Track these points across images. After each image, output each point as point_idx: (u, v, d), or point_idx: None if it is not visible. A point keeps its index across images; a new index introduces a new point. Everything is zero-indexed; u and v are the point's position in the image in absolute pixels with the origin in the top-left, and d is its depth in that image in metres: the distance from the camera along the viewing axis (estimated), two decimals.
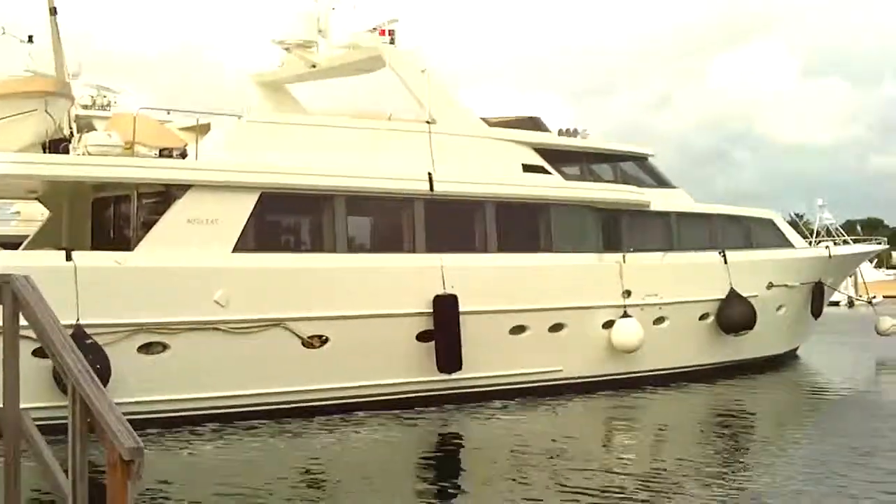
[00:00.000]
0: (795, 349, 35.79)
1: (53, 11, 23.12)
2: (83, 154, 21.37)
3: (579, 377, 26.54)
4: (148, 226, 21.71)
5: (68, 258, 20.01)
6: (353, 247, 24.06)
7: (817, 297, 34.39)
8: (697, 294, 29.46)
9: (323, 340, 22.62)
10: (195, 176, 21.86)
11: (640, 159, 31.17)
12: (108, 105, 37.08)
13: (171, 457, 18.03)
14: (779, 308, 32.45)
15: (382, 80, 27.44)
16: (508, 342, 25.26)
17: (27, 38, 25.26)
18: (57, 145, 21.66)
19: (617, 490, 15.90)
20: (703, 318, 29.73)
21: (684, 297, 28.98)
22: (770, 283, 31.71)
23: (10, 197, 31.24)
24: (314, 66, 28.30)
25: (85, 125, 24.51)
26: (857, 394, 28.43)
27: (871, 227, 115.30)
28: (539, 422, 23.18)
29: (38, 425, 7.49)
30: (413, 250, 24.55)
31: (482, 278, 24.80)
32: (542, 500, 15.37)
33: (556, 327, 26.17)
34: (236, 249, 21.95)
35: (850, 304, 66.61)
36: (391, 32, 26.73)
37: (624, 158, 30.69)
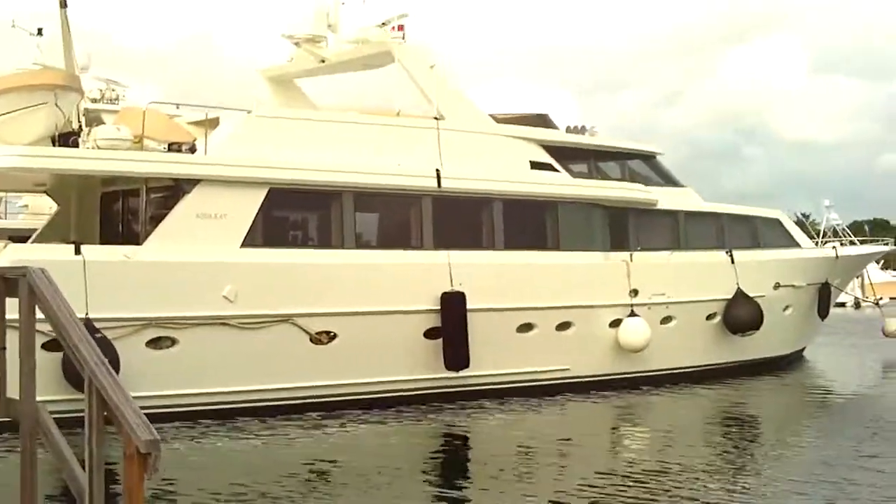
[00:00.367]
0: (802, 350, 35.75)
1: (63, 4, 23.07)
2: (93, 148, 21.36)
3: (586, 376, 26.51)
4: (156, 220, 21.71)
5: (77, 252, 20.02)
6: (361, 243, 24.05)
7: (824, 298, 34.33)
8: (704, 294, 29.42)
9: (331, 336, 22.62)
10: (204, 171, 21.85)
11: (647, 157, 31.14)
12: (117, 99, 37.07)
13: (179, 451, 18.03)
14: (785, 308, 32.41)
15: (391, 75, 27.38)
16: (516, 340, 25.24)
17: (37, 31, 25.35)
18: (66, 139, 21.66)
19: (623, 490, 15.86)
20: (710, 317, 29.68)
21: (691, 297, 28.95)
22: (777, 283, 31.67)
23: (18, 190, 31.33)
24: (323, 61, 28.30)
25: (94, 119, 24.50)
26: (863, 396, 28.35)
27: (879, 228, 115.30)
28: (546, 420, 23.16)
29: None
30: (421, 247, 24.53)
31: (490, 276, 24.78)
32: (548, 499, 15.32)
33: (564, 326, 26.16)
34: (245, 244, 21.94)
35: (857, 305, 66.56)
36: (401, 28, 26.71)
37: (632, 156, 30.64)
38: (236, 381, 21.46)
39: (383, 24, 27.30)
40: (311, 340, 22.39)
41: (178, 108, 24.81)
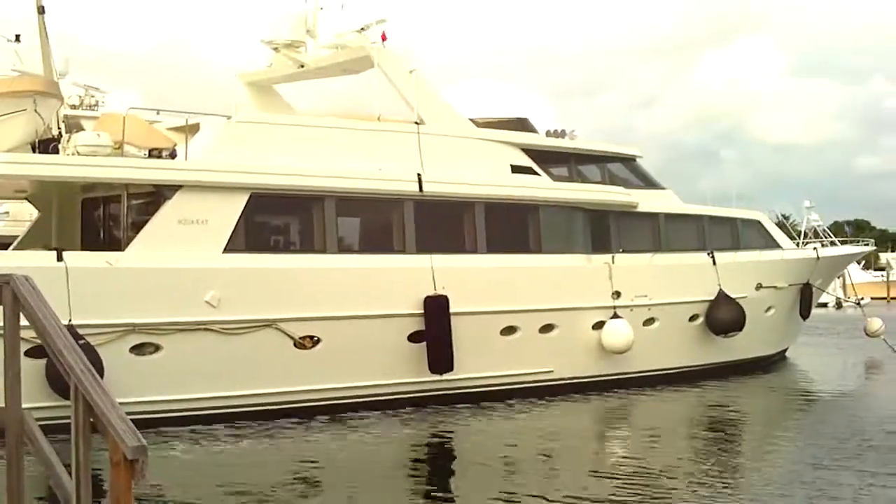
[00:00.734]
0: (784, 351, 35.89)
1: (41, 10, 23.04)
2: (73, 154, 21.29)
3: (570, 378, 26.56)
4: (138, 226, 21.67)
5: (59, 258, 19.97)
6: (343, 247, 24.03)
7: (806, 299, 34.50)
8: (687, 295, 29.49)
9: (315, 341, 22.60)
10: (185, 176, 21.80)
11: (627, 160, 31.18)
12: (96, 105, 37.02)
13: (163, 458, 17.98)
14: (767, 309, 32.52)
15: (371, 80, 27.37)
16: (499, 343, 25.26)
17: (14, 38, 25.18)
18: (46, 145, 21.59)
19: (607, 491, 15.92)
20: (692, 319, 29.77)
21: (673, 299, 29.03)
22: (759, 284, 31.79)
23: None
24: (302, 67, 28.27)
25: (73, 125, 24.43)
26: (845, 396, 28.49)
27: (859, 229, 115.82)
28: (530, 423, 23.16)
29: None
30: (403, 251, 24.52)
31: (473, 279, 24.80)
32: (532, 501, 15.33)
33: (547, 328, 26.19)
34: (227, 250, 21.91)
35: (839, 305, 66.90)
36: (384, 36, 26.68)
37: (612, 159, 30.69)
38: (221, 387, 21.40)
39: (362, 29, 27.30)
40: (294, 345, 22.36)
41: (158, 113, 24.83)
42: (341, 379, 22.89)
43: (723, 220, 32.63)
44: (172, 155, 22.43)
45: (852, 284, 48.15)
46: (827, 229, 56.38)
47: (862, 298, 43.71)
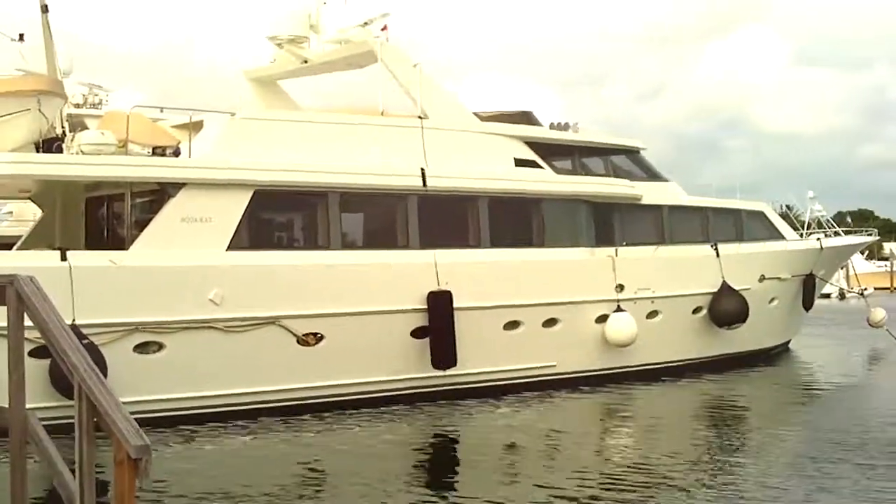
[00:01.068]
0: (787, 342, 35.91)
1: (45, 9, 23.05)
2: (77, 153, 21.31)
3: (573, 372, 26.58)
4: (142, 225, 21.70)
5: (63, 258, 19.99)
6: (346, 243, 24.03)
7: (809, 290, 34.49)
8: (690, 288, 29.50)
9: (318, 338, 22.63)
10: (189, 174, 21.82)
11: (631, 153, 31.18)
12: (100, 104, 36.98)
13: (167, 456, 18.04)
14: (771, 301, 32.54)
15: (374, 75, 27.40)
16: (503, 338, 25.29)
17: (18, 37, 25.21)
18: (50, 144, 21.62)
19: (612, 484, 15.96)
20: (696, 311, 29.78)
21: (677, 291, 29.04)
22: (762, 275, 31.80)
23: (2, 197, 31.21)
24: (306, 62, 28.32)
25: (77, 124, 24.45)
26: (847, 387, 28.48)
27: (862, 219, 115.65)
28: (534, 417, 23.17)
29: None
30: (407, 246, 24.54)
31: (476, 274, 24.80)
32: (537, 496, 15.38)
33: (550, 322, 26.22)
34: (231, 247, 21.93)
35: (842, 296, 66.90)
36: (385, 28, 26.72)
37: (615, 152, 30.65)
38: (224, 385, 21.44)
39: (365, 23, 27.32)
40: (298, 342, 22.40)
41: (161, 111, 24.80)
42: (345, 376, 22.92)
43: (726, 212, 32.63)
44: (176, 153, 22.47)
45: (856, 275, 48.22)
46: (830, 219, 56.48)
47: (865, 289, 43.82)
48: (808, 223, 53.12)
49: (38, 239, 24.33)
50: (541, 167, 27.53)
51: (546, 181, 27.35)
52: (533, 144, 27.72)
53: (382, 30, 26.82)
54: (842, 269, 47.21)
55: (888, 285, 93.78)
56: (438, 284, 23.97)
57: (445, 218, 25.29)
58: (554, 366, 26.22)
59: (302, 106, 29.09)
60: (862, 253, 71.82)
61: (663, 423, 23.20)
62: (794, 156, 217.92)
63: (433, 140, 25.50)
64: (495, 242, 25.83)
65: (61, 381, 16.56)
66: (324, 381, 22.63)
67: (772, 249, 32.97)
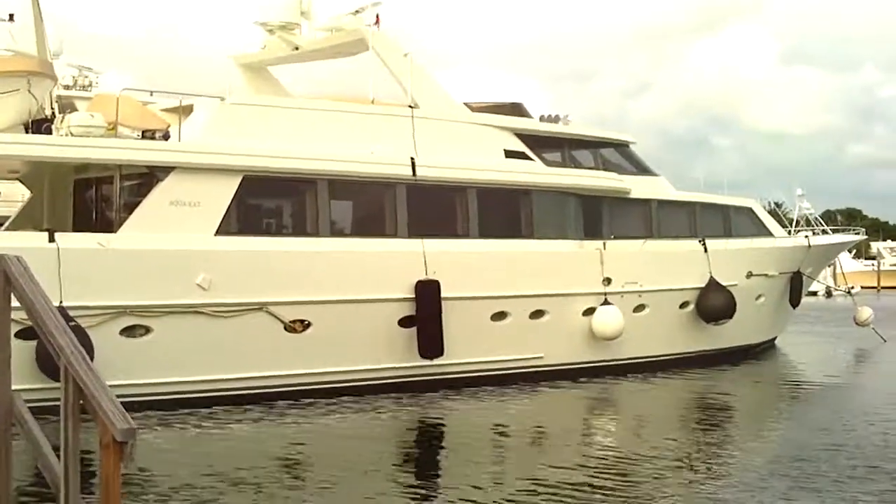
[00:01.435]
0: (774, 339, 35.96)
1: None
2: (66, 135, 21.25)
3: (560, 364, 26.58)
4: (130, 208, 21.64)
5: (51, 240, 19.95)
6: (335, 231, 24.01)
7: (796, 287, 34.55)
8: (677, 282, 29.54)
9: (305, 325, 22.61)
10: (178, 158, 21.77)
11: (621, 146, 31.18)
12: (90, 86, 36.91)
13: (153, 440, 18.00)
14: (758, 297, 32.57)
15: (365, 63, 27.34)
16: (490, 328, 25.29)
17: (8, 17, 25.12)
18: (39, 125, 21.61)
19: (595, 476, 15.91)
20: (682, 306, 29.82)
21: (664, 286, 29.07)
22: (749, 272, 31.82)
23: None
24: (297, 49, 28.25)
25: (67, 105, 24.41)
26: (833, 386, 28.43)
27: (850, 217, 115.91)
28: (520, 408, 23.17)
29: None
30: (395, 235, 24.52)
31: (464, 264, 24.79)
32: (521, 486, 15.37)
33: (538, 314, 26.22)
34: (219, 232, 21.90)
35: (829, 294, 67.03)
36: (377, 19, 26.63)
37: (605, 145, 30.65)
38: (210, 370, 21.41)
39: (357, 11, 27.27)
40: (285, 329, 22.38)
41: (151, 95, 24.73)
42: (331, 363, 22.91)
43: (714, 208, 32.65)
44: (166, 136, 22.45)
45: (843, 273, 48.28)
46: (819, 217, 56.56)
47: (852, 287, 43.86)
48: (797, 221, 53.20)
49: (25, 220, 24.24)
50: (531, 159, 27.53)
51: (535, 173, 27.34)
52: (523, 136, 27.71)
53: (375, 22, 26.72)
54: (829, 267, 47.26)
55: (875, 284, 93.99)
56: (426, 274, 23.95)
57: (434, 207, 25.27)
58: (541, 357, 26.23)
59: (292, 93, 29.01)
60: (850, 251, 71.93)
61: (648, 417, 23.22)
62: (783, 154, 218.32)
63: (423, 129, 25.48)
64: (484, 233, 25.82)
65: (48, 363, 16.51)
66: (311, 368, 22.61)
67: (760, 246, 33.00)
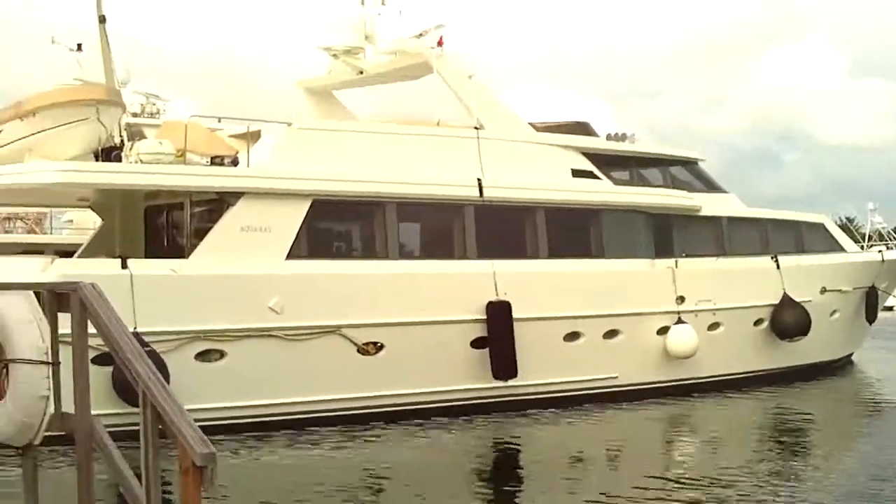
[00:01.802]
0: (850, 355, 35.45)
1: (102, 20, 23.21)
2: (136, 162, 21.39)
3: (634, 384, 26.32)
4: (201, 234, 21.74)
5: (124, 266, 20.06)
6: (404, 253, 24.00)
7: (871, 302, 34.06)
8: (751, 299, 29.19)
9: (378, 347, 22.55)
10: (248, 183, 21.86)
11: (689, 164, 30.94)
12: (158, 113, 37.17)
13: (226, 464, 17.99)
14: (833, 313, 32.14)
15: (428, 85, 27.35)
16: (563, 349, 25.09)
17: (76, 47, 25.41)
18: (109, 153, 21.78)
19: (673, 497, 15.77)
20: (757, 323, 29.47)
21: (738, 303, 28.74)
22: (823, 287, 31.40)
23: (63, 205, 31.47)
24: (361, 73, 28.34)
25: (135, 133, 24.57)
26: None
27: None
28: (595, 429, 23.04)
29: None
30: (465, 256, 24.43)
31: (535, 284, 24.64)
32: None
33: (611, 334, 25.99)
34: (290, 256, 21.94)
35: None
36: (441, 41, 26.62)
37: (674, 163, 30.45)
38: (285, 393, 21.41)
39: (420, 34, 27.29)
40: (358, 351, 22.34)
41: (219, 121, 24.89)
42: (405, 385, 22.82)
43: (786, 224, 32.31)
44: (235, 162, 22.54)
45: None
46: (892, 231, 55.68)
47: None
48: (870, 235, 52.36)
49: (97, 247, 24.43)
50: (598, 178, 27.36)
51: (604, 192, 27.18)
52: (590, 155, 27.55)
53: (439, 44, 26.73)
54: None
55: None
56: (497, 295, 23.81)
57: (503, 228, 25.16)
58: (615, 377, 25.98)
59: (358, 116, 29.07)
60: None
61: (725, 437, 22.99)
62: (853, 168, 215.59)
63: (489, 150, 25.40)
64: (553, 253, 25.67)
65: (125, 388, 16.59)
66: (384, 390, 22.53)
67: (833, 262, 32.58)
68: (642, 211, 27.73)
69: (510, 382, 23.84)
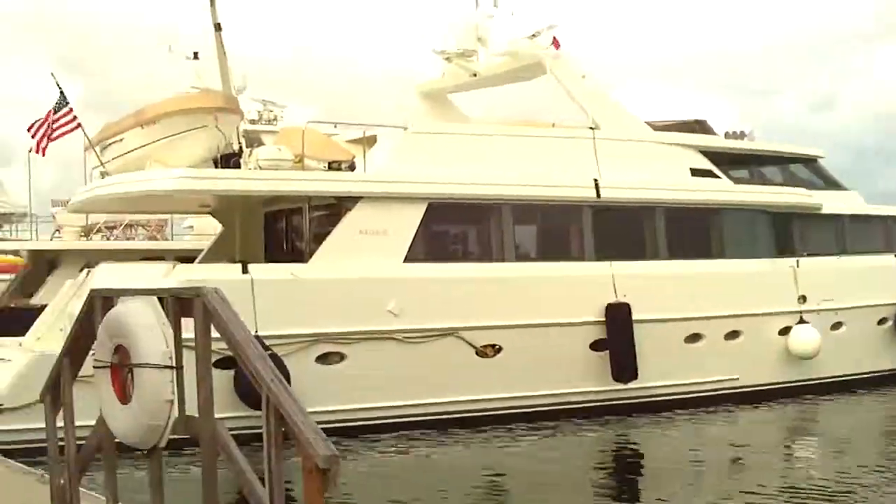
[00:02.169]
0: None
1: (218, 28, 23.50)
2: (254, 168, 21.63)
3: (757, 385, 25.93)
4: (320, 238, 21.90)
5: (245, 271, 20.28)
6: (520, 255, 23.90)
7: None
8: (874, 298, 28.64)
9: (496, 349, 22.50)
10: (365, 188, 21.98)
11: (809, 161, 30.42)
12: (275, 119, 37.57)
13: (351, 466, 18.08)
14: None
15: (539, 86, 27.25)
16: (684, 351, 24.81)
17: (193, 55, 25.75)
18: (228, 160, 22.05)
19: (799, 501, 15.48)
20: (881, 322, 28.91)
21: (861, 302, 28.21)
22: None
23: (183, 212, 31.96)
24: (475, 75, 28.29)
25: (253, 140, 24.84)
26: None
27: None
28: (718, 431, 22.79)
29: None
30: (582, 258, 24.28)
31: (655, 286, 24.38)
32: None
33: (732, 335, 25.64)
34: (407, 259, 22.00)
35: None
36: (556, 42, 26.49)
37: (793, 160, 29.99)
38: (405, 396, 21.47)
39: (533, 35, 27.15)
40: (476, 354, 22.31)
41: (335, 126, 25.10)
42: (524, 388, 22.74)
43: None
44: (352, 167, 22.68)
45: None
46: None
47: None
48: None
49: (218, 252, 24.76)
50: (717, 176, 27.01)
51: (724, 191, 26.83)
52: (708, 153, 27.21)
53: (554, 45, 26.59)
54: None
55: None
56: (616, 296, 23.63)
57: (621, 229, 24.94)
58: (737, 379, 25.63)
59: (472, 119, 29.06)
60: None
61: (850, 439, 22.54)
62: None
63: (606, 150, 25.19)
64: (673, 254, 25.41)
65: (246, 392, 16.75)
66: (503, 392, 22.48)
67: None
68: (762, 209, 27.33)
69: (630, 385, 23.64)
